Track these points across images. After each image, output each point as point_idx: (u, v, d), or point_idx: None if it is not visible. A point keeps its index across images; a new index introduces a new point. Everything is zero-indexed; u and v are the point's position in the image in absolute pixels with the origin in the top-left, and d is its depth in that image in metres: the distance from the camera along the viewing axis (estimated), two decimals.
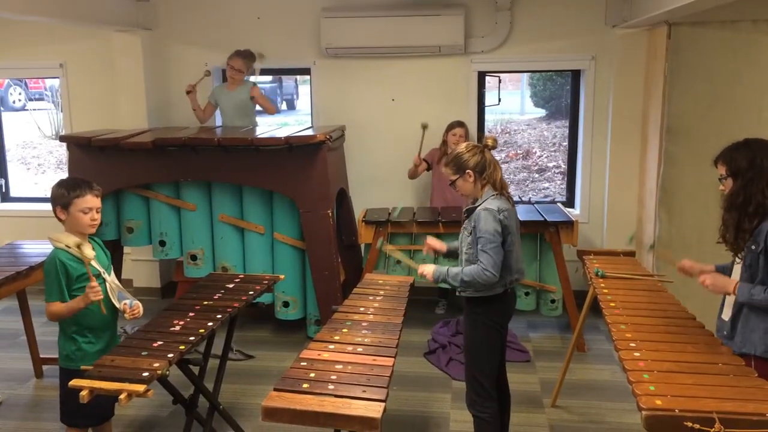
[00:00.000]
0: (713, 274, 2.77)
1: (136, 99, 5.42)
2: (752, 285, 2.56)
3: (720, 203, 2.75)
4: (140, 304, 2.94)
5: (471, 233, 2.94)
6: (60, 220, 2.86)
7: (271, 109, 5.35)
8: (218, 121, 5.56)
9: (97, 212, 2.87)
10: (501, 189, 2.98)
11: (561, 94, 10.48)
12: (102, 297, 2.76)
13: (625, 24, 4.95)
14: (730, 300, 2.71)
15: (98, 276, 2.86)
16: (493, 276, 2.85)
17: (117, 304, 2.90)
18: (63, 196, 2.80)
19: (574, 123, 5.58)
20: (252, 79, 5.28)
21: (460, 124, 5.12)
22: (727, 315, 2.73)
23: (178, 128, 5.17)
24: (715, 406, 2.07)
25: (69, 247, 2.78)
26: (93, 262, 2.85)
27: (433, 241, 3.28)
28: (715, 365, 2.39)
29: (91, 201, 2.83)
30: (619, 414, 3.73)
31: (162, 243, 4.69)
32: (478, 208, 2.93)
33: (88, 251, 2.83)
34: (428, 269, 3.06)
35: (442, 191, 5.11)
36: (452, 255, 3.29)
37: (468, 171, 2.95)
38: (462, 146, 3.04)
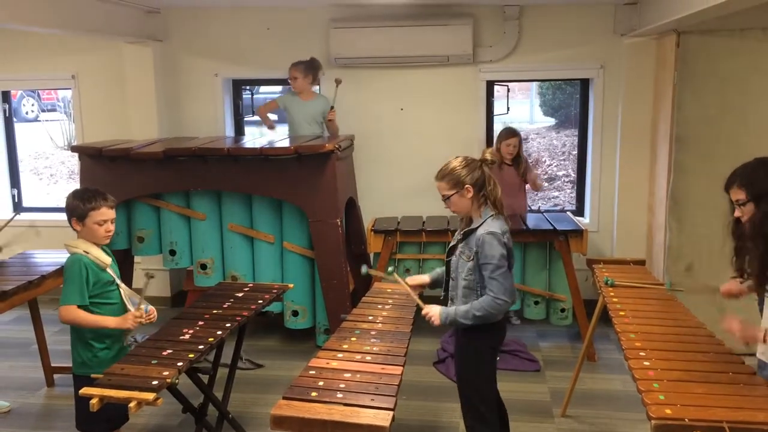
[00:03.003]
0: (744, 322, 2.44)
1: (147, 109, 5.47)
2: None
3: (728, 230, 2.57)
4: (154, 309, 2.98)
5: (472, 259, 2.77)
6: (75, 230, 2.89)
7: (336, 132, 5.26)
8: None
9: (112, 223, 2.93)
10: (500, 208, 2.82)
11: (570, 102, 10.48)
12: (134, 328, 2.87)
13: (633, 33, 4.95)
14: None
15: (113, 282, 2.91)
16: (506, 303, 2.72)
17: (132, 309, 2.93)
18: (78, 208, 2.84)
19: (583, 132, 5.58)
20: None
21: (513, 133, 4.99)
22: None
23: (188, 138, 5.21)
24: (725, 415, 2.07)
25: (87, 253, 2.83)
26: (108, 269, 2.90)
27: (414, 280, 3.10)
28: (725, 374, 2.38)
29: (107, 213, 2.88)
30: (630, 424, 3.70)
31: (172, 252, 4.72)
32: (480, 231, 2.75)
33: (105, 257, 2.88)
34: (434, 312, 2.84)
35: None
36: (437, 285, 3.08)
37: (467, 186, 2.75)
38: (457, 160, 2.83)
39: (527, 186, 5.24)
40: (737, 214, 2.50)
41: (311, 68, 5.09)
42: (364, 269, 3.20)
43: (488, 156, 2.84)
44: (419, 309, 3.00)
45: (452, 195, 2.80)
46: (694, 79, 4.50)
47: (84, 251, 2.84)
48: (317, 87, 5.36)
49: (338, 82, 5.09)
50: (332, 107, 5.13)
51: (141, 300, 2.95)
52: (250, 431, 3.59)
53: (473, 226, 2.82)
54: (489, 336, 2.89)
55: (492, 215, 2.79)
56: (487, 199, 2.81)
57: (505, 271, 2.74)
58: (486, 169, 2.81)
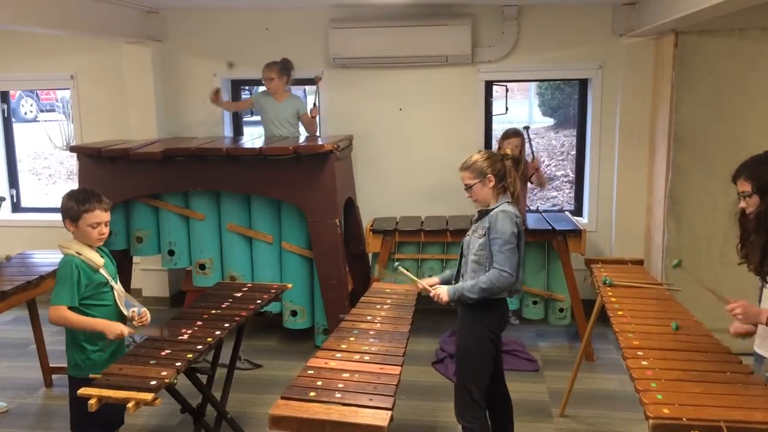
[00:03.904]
0: (743, 303, 2.44)
1: (146, 110, 5.47)
2: None
3: (732, 219, 2.61)
4: (147, 312, 2.97)
5: (484, 235, 2.91)
6: (69, 231, 2.89)
7: (314, 132, 5.25)
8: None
9: (106, 226, 2.90)
10: (517, 201, 3.00)
11: (569, 102, 10.48)
12: (120, 339, 2.85)
13: (632, 33, 4.96)
14: (763, 331, 2.51)
15: (106, 283, 2.90)
16: (510, 276, 2.84)
17: (125, 312, 2.93)
18: (72, 210, 2.84)
19: (581, 132, 5.58)
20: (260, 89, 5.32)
21: (516, 133, 4.95)
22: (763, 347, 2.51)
23: (187, 138, 5.21)
24: (722, 414, 2.07)
25: (80, 254, 2.83)
26: (102, 270, 2.89)
27: (424, 282, 3.16)
28: (723, 374, 2.39)
29: (100, 216, 2.86)
30: (628, 423, 3.71)
31: (171, 252, 4.72)
32: (495, 210, 2.92)
33: (98, 259, 2.88)
34: (442, 291, 2.99)
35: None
36: (446, 284, 3.18)
37: (489, 176, 2.93)
38: (480, 153, 3.02)
39: (530, 185, 5.26)
40: (742, 205, 2.52)
41: (285, 69, 5.08)
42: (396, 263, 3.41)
43: (509, 151, 3.05)
44: (427, 297, 3.11)
45: (475, 184, 2.96)
46: (692, 79, 4.50)
47: (76, 252, 2.83)
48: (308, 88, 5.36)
49: (318, 79, 5.13)
50: (315, 105, 5.12)
51: (134, 302, 2.95)
52: (249, 431, 3.59)
53: (489, 208, 2.97)
54: (490, 318, 2.98)
55: (508, 201, 2.96)
56: (506, 189, 2.98)
57: (513, 247, 2.87)
58: (507, 163, 2.99)
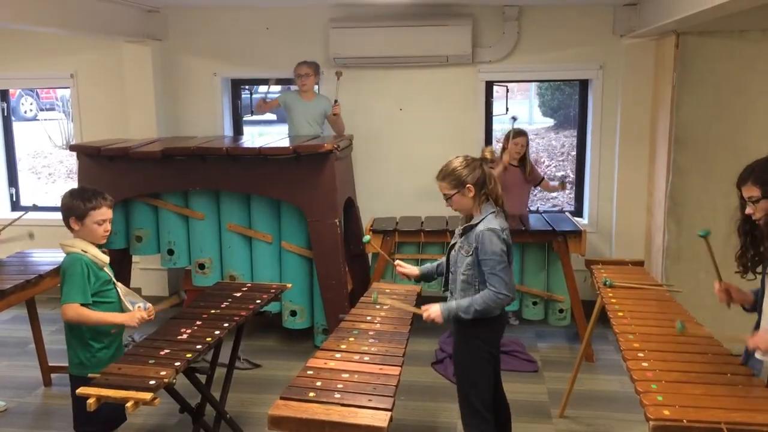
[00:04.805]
0: (761, 335, 2.35)
1: (146, 109, 5.47)
2: None
3: (731, 224, 2.57)
4: (153, 307, 2.98)
5: (471, 254, 2.80)
6: (72, 230, 2.89)
7: (342, 130, 5.28)
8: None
9: (110, 223, 2.91)
10: (501, 205, 2.87)
11: (569, 103, 10.47)
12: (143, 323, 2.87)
13: (633, 33, 4.96)
14: None
15: (110, 281, 2.91)
16: (507, 297, 2.75)
17: (130, 308, 2.93)
18: (78, 208, 2.84)
19: (582, 132, 5.58)
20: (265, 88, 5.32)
21: (521, 132, 4.99)
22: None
23: (186, 138, 5.20)
24: (723, 416, 2.07)
25: (86, 252, 2.83)
26: (105, 269, 2.90)
27: (403, 268, 3.10)
28: (723, 375, 2.38)
29: (106, 212, 2.89)
30: (628, 425, 3.70)
31: (170, 252, 4.71)
32: (480, 228, 2.79)
33: (103, 256, 2.89)
34: (435, 312, 2.85)
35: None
36: (426, 279, 3.14)
37: (468, 186, 2.80)
38: (458, 160, 2.87)
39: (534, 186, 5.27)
40: (749, 211, 2.45)
41: (317, 68, 5.15)
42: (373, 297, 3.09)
43: (488, 155, 2.89)
44: (420, 317, 2.95)
45: (454, 194, 2.84)
46: (693, 80, 4.50)
47: (82, 250, 2.84)
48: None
49: (339, 74, 5.15)
50: (336, 101, 5.13)
51: (137, 298, 2.95)
52: (248, 431, 3.58)
53: (473, 222, 2.85)
54: (487, 333, 2.91)
55: (492, 212, 2.83)
56: (489, 196, 2.84)
57: (506, 266, 2.78)
58: (486, 168, 2.85)
